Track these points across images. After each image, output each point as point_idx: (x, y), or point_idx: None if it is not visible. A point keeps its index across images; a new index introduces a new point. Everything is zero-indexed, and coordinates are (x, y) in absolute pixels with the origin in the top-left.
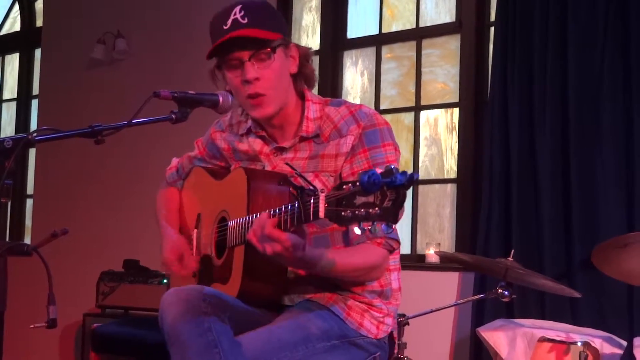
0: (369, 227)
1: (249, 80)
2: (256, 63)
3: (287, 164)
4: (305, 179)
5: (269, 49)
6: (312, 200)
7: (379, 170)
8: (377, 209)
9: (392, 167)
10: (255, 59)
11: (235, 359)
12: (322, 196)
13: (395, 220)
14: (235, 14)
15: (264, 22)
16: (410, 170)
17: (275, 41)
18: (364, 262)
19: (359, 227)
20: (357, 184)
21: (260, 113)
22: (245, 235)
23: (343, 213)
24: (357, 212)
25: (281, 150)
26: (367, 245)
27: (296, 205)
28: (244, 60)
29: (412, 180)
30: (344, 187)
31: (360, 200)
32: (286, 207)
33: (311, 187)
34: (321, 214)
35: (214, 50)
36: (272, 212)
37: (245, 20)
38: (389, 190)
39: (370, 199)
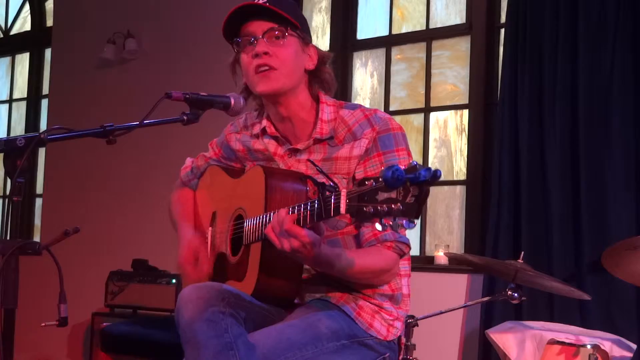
0: (390, 223)
1: (259, 54)
2: (269, 40)
3: (309, 160)
4: (326, 175)
5: (283, 28)
6: (333, 196)
7: (402, 167)
8: (399, 204)
9: (415, 163)
10: (269, 35)
11: None
12: (343, 192)
13: (418, 215)
14: (257, 0)
15: (285, 7)
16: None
17: (293, 24)
18: (377, 264)
19: (380, 222)
20: (380, 180)
21: (266, 86)
22: (263, 232)
23: (365, 208)
24: (379, 208)
25: (295, 152)
26: (378, 248)
27: (316, 201)
28: (257, 36)
29: (436, 177)
30: (366, 182)
31: (382, 196)
32: (305, 204)
33: (332, 184)
34: (342, 209)
35: (230, 27)
36: (290, 208)
37: (267, 4)
38: (412, 186)
39: (393, 194)
